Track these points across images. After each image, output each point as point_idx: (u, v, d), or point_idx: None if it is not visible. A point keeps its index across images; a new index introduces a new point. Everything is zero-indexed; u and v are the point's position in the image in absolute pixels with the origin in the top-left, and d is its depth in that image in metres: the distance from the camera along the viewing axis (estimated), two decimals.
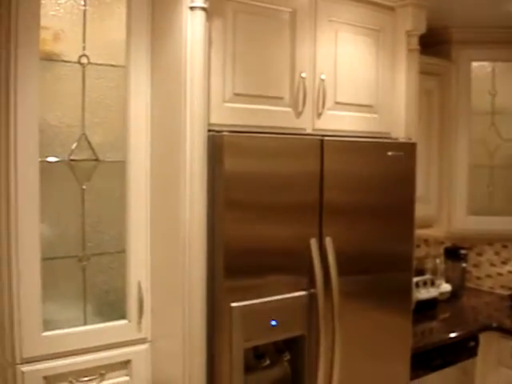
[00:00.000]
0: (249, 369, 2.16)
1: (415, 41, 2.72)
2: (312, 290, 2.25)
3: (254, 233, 2.12)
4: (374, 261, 2.49)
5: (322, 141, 2.28)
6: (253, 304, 2.11)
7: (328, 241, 2.29)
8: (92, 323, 2.18)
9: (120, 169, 2.19)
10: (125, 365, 2.23)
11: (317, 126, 2.40)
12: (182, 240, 2.06)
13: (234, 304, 2.07)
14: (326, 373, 2.29)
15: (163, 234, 2.20)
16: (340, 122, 2.49)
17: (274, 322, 2.16)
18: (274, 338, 2.21)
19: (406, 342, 2.67)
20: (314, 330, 2.27)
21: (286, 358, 2.28)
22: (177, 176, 2.07)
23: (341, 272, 2.31)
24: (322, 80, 2.40)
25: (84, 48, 2.13)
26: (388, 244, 2.53)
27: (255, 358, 2.21)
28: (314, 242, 2.25)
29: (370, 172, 2.43)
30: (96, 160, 2.16)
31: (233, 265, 2.07)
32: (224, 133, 2.05)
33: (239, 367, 2.10)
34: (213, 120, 2.12)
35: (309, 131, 2.38)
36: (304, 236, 2.24)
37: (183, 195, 2.05)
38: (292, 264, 2.22)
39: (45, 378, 2.07)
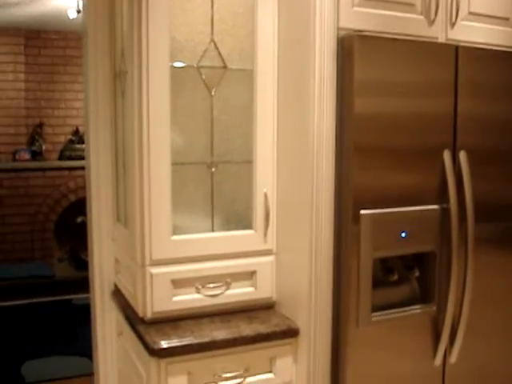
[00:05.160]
0: (377, 284, 2.09)
1: None
2: (444, 205, 2.15)
3: (385, 140, 2.04)
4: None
5: (457, 47, 2.15)
6: (382, 213, 2.04)
7: (462, 154, 2.17)
8: (219, 231, 2.20)
9: (247, 77, 2.17)
10: (250, 275, 2.23)
11: (450, 36, 2.26)
12: (311, 150, 2.02)
13: (363, 211, 2.01)
14: (457, 295, 2.18)
15: (290, 144, 2.16)
16: (474, 33, 2.33)
17: (403, 234, 2.08)
18: (403, 251, 2.13)
19: None
20: (445, 248, 2.16)
21: (415, 275, 2.18)
22: (306, 83, 2.02)
23: (474, 191, 2.18)
24: None
25: None
26: None
27: (384, 273, 2.14)
28: (447, 154, 2.13)
29: (508, 84, 2.27)
30: (224, 67, 2.16)
31: (362, 168, 2.00)
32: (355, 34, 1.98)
33: (367, 277, 2.04)
34: (341, 24, 2.04)
35: (441, 41, 2.24)
36: (437, 147, 2.13)
37: (312, 103, 2.00)
38: (424, 175, 2.12)
39: (172, 281, 2.12)
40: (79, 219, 5.56)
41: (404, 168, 2.09)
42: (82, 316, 3.27)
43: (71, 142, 5.96)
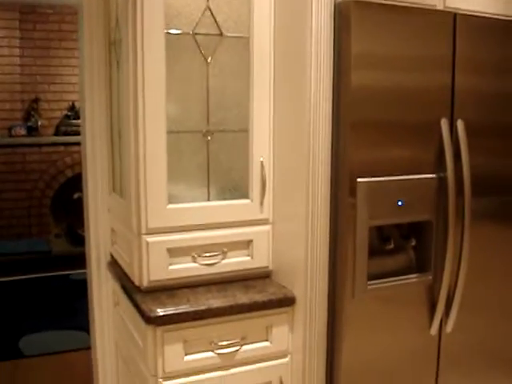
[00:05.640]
0: (373, 253, 2.09)
1: None
2: (441, 174, 2.14)
3: (382, 110, 2.03)
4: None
5: (455, 15, 2.13)
6: (379, 181, 2.03)
7: (460, 123, 2.16)
8: (215, 200, 2.19)
9: (244, 45, 2.15)
10: (246, 245, 2.23)
11: (448, 4, 2.23)
12: (307, 118, 2.00)
13: (360, 180, 2.00)
14: (453, 265, 2.18)
15: (287, 113, 2.15)
16: (472, 1, 2.30)
17: (400, 203, 2.07)
18: (400, 220, 2.12)
19: None
20: (442, 217, 2.16)
21: (411, 244, 2.18)
22: (302, 51, 2.00)
23: (472, 163, 2.17)
24: None
25: None
26: None
27: (380, 241, 2.14)
28: (444, 123, 2.12)
29: (507, 54, 2.25)
30: (220, 35, 2.13)
31: (359, 138, 1.99)
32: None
33: (364, 246, 2.03)
34: None
35: (440, 8, 2.22)
36: (435, 117, 2.12)
37: (308, 70, 1.98)
38: (421, 144, 2.11)
39: (169, 250, 2.11)
40: (76, 195, 5.55)
41: (401, 138, 2.08)
42: (80, 291, 3.27)
43: (67, 117, 5.93)
